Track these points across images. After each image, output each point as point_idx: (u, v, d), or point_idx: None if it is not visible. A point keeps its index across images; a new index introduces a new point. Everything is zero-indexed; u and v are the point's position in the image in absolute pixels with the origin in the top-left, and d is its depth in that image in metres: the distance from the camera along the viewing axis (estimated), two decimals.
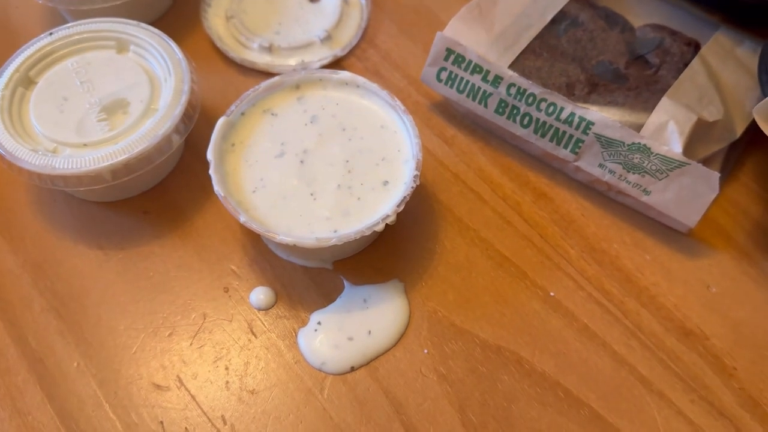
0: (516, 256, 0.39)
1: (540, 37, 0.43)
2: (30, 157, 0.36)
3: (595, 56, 0.42)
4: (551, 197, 0.42)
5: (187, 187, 0.42)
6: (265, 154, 0.38)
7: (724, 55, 0.43)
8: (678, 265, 0.39)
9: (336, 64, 0.47)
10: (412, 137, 0.38)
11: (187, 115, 0.38)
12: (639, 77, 0.41)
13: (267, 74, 0.46)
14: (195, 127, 0.40)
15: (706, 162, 0.40)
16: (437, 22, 0.49)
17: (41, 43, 0.40)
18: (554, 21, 0.43)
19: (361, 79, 0.40)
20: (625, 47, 0.43)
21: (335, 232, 0.35)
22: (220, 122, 0.37)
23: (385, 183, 0.37)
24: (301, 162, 0.38)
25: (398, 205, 0.35)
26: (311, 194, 0.37)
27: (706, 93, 0.40)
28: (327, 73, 0.40)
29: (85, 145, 0.37)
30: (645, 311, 0.38)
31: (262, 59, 0.46)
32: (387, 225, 0.35)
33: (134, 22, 0.41)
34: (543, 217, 0.41)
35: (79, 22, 0.41)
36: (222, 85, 0.46)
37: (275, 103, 0.39)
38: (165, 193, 0.41)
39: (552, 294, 0.38)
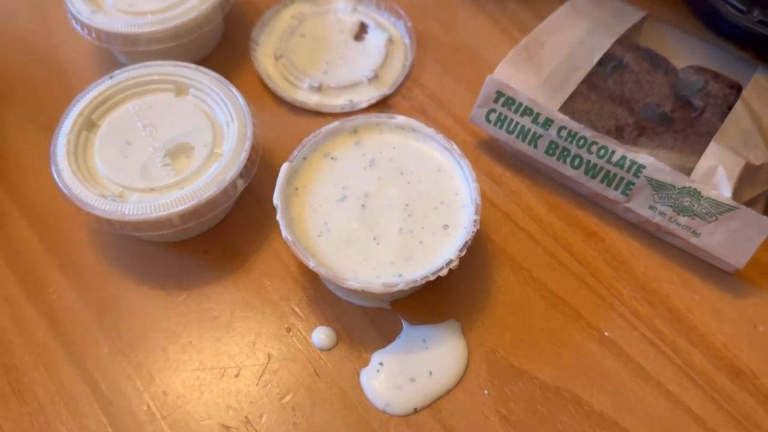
0: (570, 296, 0.40)
1: (587, 79, 0.44)
2: (99, 203, 0.37)
3: (642, 98, 0.43)
4: (601, 236, 0.43)
5: (245, 227, 0.42)
6: (327, 198, 0.39)
7: (764, 96, 0.44)
8: (726, 304, 0.40)
9: (383, 103, 0.48)
10: (470, 181, 0.39)
11: (250, 160, 0.39)
12: (685, 120, 0.43)
13: (316, 113, 0.47)
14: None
15: (750, 203, 0.41)
16: (479, 60, 0.50)
17: (102, 86, 0.41)
18: (600, 63, 0.45)
19: (417, 124, 0.41)
20: (669, 90, 0.44)
21: (400, 276, 0.36)
22: (285, 168, 0.38)
23: (445, 227, 0.38)
24: (363, 206, 0.39)
25: (460, 250, 0.36)
26: (374, 238, 0.38)
27: (751, 136, 0.41)
28: (383, 117, 0.41)
29: (152, 189, 0.38)
30: (695, 350, 0.39)
31: (311, 99, 0.47)
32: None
33: (192, 65, 0.42)
34: (594, 256, 0.42)
35: (137, 65, 0.42)
36: (274, 124, 0.47)
37: (334, 147, 0.40)
38: (224, 234, 0.42)
39: (606, 334, 0.39)
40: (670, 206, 0.40)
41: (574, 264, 0.42)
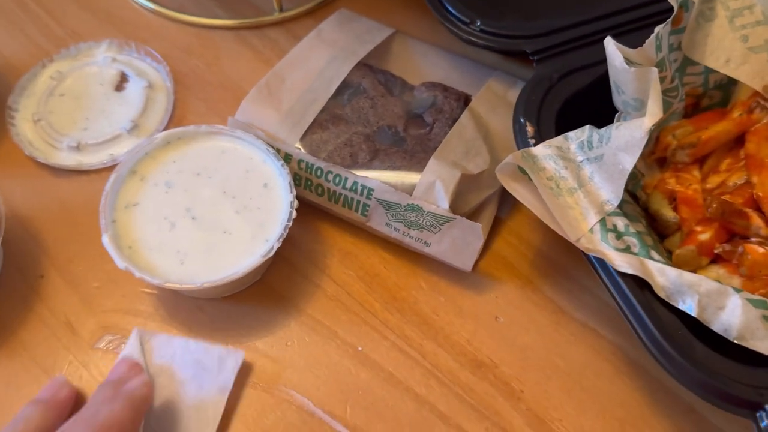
0: (326, 317, 0.43)
1: (326, 109, 0.46)
2: None
3: (377, 122, 0.46)
4: (356, 254, 0.46)
5: (8, 300, 0.43)
6: (161, 234, 0.41)
7: (495, 101, 0.48)
8: (469, 301, 0.44)
9: None
10: (254, 142, 0.44)
11: None
12: (416, 138, 0.45)
13: (79, 173, 0.48)
14: (13, 243, 0.41)
15: (483, 205, 0.45)
16: (243, 94, 0.51)
17: None
18: (339, 91, 0.47)
19: (178, 130, 0.44)
20: (402, 110, 0.47)
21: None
22: (106, 240, 0.39)
23: (265, 185, 0.43)
24: (193, 218, 0.41)
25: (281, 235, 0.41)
26: (224, 232, 0.41)
27: (473, 145, 0.45)
28: (145, 144, 0.43)
29: None
30: (441, 350, 0.42)
31: (71, 159, 0.48)
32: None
33: None
34: (349, 275, 0.45)
35: None
36: (38, 190, 0.47)
37: (130, 195, 0.42)
38: None
39: (360, 348, 0.42)
40: (402, 222, 0.43)
41: (331, 285, 0.44)
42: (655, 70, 0.37)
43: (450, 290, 0.44)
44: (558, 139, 0.41)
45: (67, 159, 0.48)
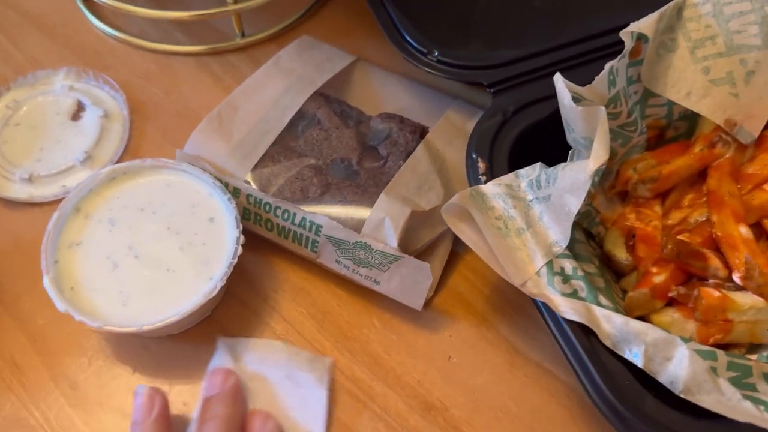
0: None
1: (280, 140, 0.45)
2: None
3: (330, 155, 0.45)
4: (308, 290, 0.44)
5: None
6: (102, 275, 0.40)
7: (453, 132, 0.47)
8: (423, 340, 0.43)
9: None
10: (201, 176, 0.43)
11: None
12: (369, 171, 0.44)
13: (31, 205, 0.47)
14: None
15: (438, 240, 0.44)
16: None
17: None
18: (293, 122, 0.46)
19: (122, 165, 0.43)
20: (357, 142, 0.45)
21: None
22: (47, 282, 0.39)
23: (211, 219, 0.42)
24: (136, 257, 0.41)
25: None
26: (167, 270, 0.40)
27: (426, 180, 0.43)
28: (89, 181, 0.42)
29: None
30: (391, 392, 0.41)
31: (23, 191, 0.47)
32: None
33: None
34: (301, 312, 0.44)
35: None
36: None
37: (72, 234, 0.41)
38: None
39: None
40: (351, 259, 0.42)
41: (281, 323, 0.43)
42: (602, 109, 0.35)
43: (403, 328, 0.43)
44: (509, 177, 0.39)
45: (19, 191, 0.47)
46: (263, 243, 0.45)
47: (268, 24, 0.55)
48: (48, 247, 0.40)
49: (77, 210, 0.42)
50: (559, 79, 0.37)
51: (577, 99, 0.37)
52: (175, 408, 0.39)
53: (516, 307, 0.44)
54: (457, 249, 0.45)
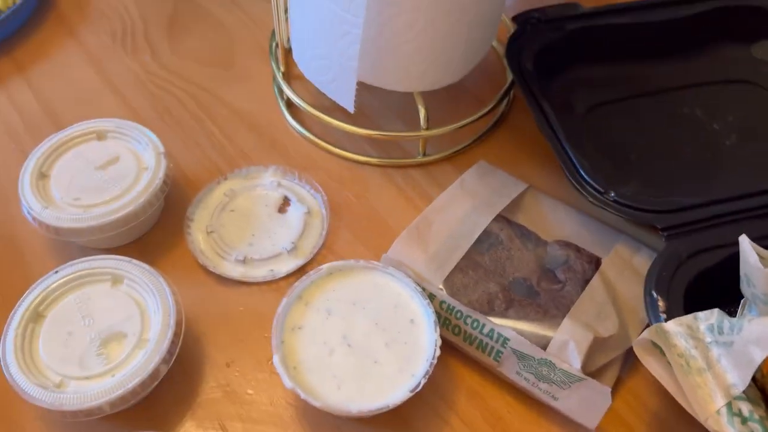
0: None
1: (467, 255, 0.51)
2: (39, 394, 0.43)
3: (512, 273, 0.51)
4: (482, 395, 0.49)
5: (172, 403, 0.49)
6: (320, 359, 0.45)
7: (622, 265, 0.52)
8: None
9: (300, 270, 0.55)
10: (403, 279, 0.50)
11: (173, 344, 0.46)
12: (549, 293, 0.50)
13: (240, 283, 0.54)
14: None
15: (607, 365, 0.48)
16: (387, 228, 0.57)
17: (49, 281, 0.48)
18: (479, 240, 0.52)
19: (339, 263, 0.49)
20: (536, 264, 0.51)
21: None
22: (276, 360, 0.44)
23: (411, 321, 0.48)
24: (349, 345, 0.46)
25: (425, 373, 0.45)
26: (375, 362, 0.46)
27: (603, 309, 0.49)
28: (313, 274, 0.49)
29: (87, 378, 0.44)
30: None
31: (236, 271, 0.54)
32: None
33: (126, 258, 0.49)
34: (475, 415, 0.48)
35: (80, 259, 0.49)
36: (203, 295, 0.54)
37: (295, 319, 0.47)
38: (150, 408, 0.48)
39: None
40: (533, 374, 0.46)
41: (458, 422, 0.48)
42: None
43: None
44: (688, 318, 0.44)
45: (233, 270, 0.54)
46: (443, 346, 0.51)
47: (445, 146, 0.62)
48: (277, 328, 0.46)
49: (300, 298, 0.48)
50: (744, 241, 0.43)
51: (761, 260, 0.42)
52: None
53: None
54: (621, 374, 0.50)
